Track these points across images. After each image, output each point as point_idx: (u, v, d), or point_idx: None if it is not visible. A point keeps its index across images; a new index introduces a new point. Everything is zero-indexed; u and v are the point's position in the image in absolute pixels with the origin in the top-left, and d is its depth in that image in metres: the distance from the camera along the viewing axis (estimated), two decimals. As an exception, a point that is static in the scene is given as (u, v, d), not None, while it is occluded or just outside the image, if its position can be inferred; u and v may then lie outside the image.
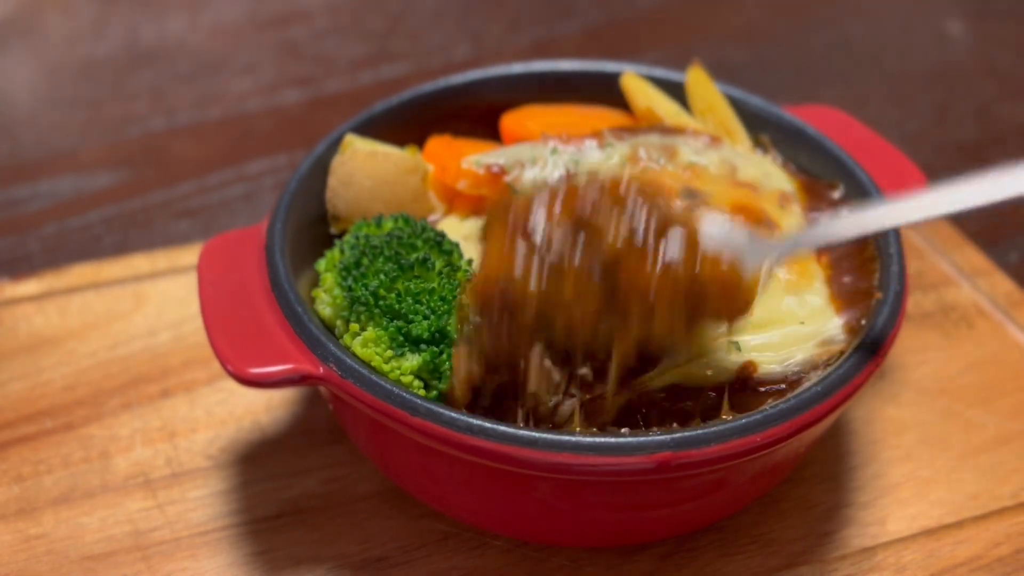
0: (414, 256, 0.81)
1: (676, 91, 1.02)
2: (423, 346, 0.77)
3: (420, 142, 0.99)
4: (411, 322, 0.78)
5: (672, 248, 0.72)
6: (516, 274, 0.72)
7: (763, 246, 0.77)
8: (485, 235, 0.76)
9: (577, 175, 0.80)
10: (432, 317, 0.77)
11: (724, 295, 0.74)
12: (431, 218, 0.93)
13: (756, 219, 0.88)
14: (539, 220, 0.73)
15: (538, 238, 0.73)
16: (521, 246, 0.73)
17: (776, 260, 0.78)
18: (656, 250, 0.72)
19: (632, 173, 0.82)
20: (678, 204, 0.77)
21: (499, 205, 0.76)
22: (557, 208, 0.73)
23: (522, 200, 0.75)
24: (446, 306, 0.78)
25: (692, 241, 0.73)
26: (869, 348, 0.79)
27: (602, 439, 0.72)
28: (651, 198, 0.74)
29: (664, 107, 0.99)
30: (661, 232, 0.73)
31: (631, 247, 0.72)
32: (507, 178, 0.91)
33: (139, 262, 1.11)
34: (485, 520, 0.85)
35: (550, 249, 0.72)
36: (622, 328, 0.74)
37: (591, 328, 0.74)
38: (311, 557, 0.86)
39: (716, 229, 0.75)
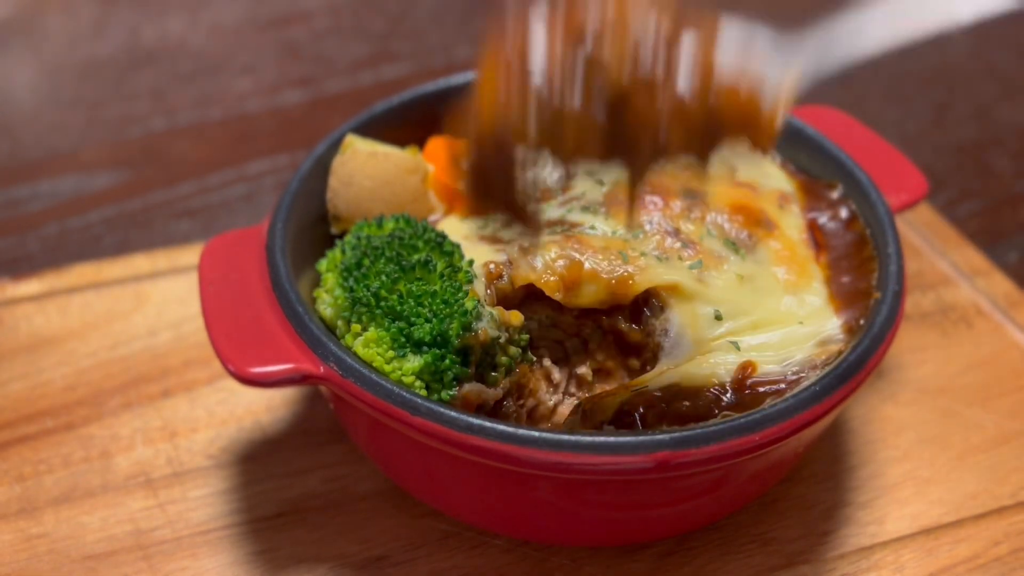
0: (415, 257, 0.81)
1: (676, 91, 1.02)
2: (425, 348, 0.78)
3: (421, 142, 0.99)
4: (413, 324, 0.78)
5: (683, 80, 0.64)
6: (512, 115, 0.65)
7: (790, 51, 0.67)
8: (478, 64, 0.68)
9: None
10: (434, 320, 0.77)
11: (743, 126, 0.67)
12: (431, 218, 0.93)
13: (755, 219, 0.88)
14: (537, 51, 0.65)
15: (535, 74, 0.64)
16: (516, 82, 0.65)
17: (802, 72, 0.68)
18: (665, 84, 0.64)
19: None
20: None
21: (493, 29, 0.67)
22: (557, 37, 0.65)
23: (517, 26, 0.65)
24: (448, 309, 0.78)
25: (706, 70, 0.65)
26: (867, 348, 0.79)
27: (601, 438, 0.72)
28: (660, 8, 0.65)
29: (664, 107, 0.99)
30: (670, 60, 0.64)
31: (637, 82, 0.64)
32: (507, 178, 0.91)
33: (139, 262, 1.11)
34: (485, 519, 0.85)
35: (549, 88, 0.65)
36: (632, 159, 0.67)
37: (596, 158, 0.67)
38: (312, 556, 0.86)
39: (736, 35, 0.66)
